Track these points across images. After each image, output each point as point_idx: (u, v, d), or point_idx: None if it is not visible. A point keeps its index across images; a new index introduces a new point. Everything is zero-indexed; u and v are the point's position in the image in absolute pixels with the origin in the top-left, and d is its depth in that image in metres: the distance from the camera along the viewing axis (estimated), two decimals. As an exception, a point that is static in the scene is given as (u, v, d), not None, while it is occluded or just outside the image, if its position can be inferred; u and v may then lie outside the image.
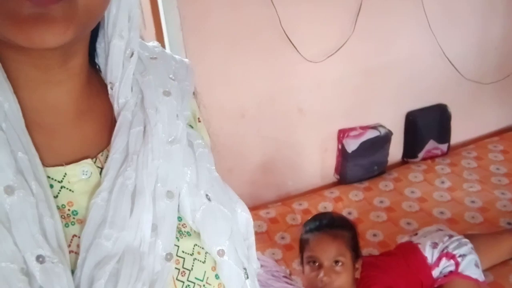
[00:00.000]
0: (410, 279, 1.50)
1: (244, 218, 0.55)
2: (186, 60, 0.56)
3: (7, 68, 0.41)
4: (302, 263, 1.42)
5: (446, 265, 1.54)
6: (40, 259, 0.36)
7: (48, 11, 0.35)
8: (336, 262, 1.32)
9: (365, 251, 1.84)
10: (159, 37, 1.82)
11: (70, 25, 0.36)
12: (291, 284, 1.47)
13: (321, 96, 2.23)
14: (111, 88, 0.47)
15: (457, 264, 1.55)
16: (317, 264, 1.34)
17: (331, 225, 1.40)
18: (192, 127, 0.54)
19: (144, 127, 0.46)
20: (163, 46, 1.93)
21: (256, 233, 1.99)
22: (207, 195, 0.49)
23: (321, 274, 1.30)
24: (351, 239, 1.39)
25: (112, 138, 0.45)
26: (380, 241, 1.91)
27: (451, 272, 1.53)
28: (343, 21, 2.12)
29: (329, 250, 1.33)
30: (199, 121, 0.57)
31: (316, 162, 2.37)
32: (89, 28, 0.41)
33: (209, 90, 1.97)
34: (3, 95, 0.40)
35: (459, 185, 2.21)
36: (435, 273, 1.54)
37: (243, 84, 2.05)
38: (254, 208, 2.14)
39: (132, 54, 0.47)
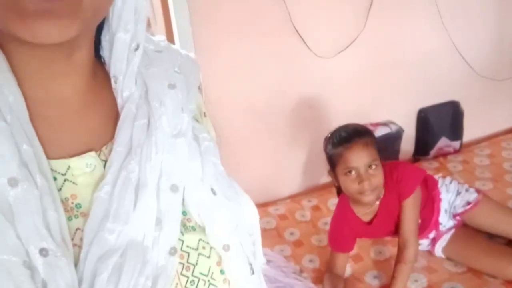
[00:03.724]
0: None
1: (250, 213, 0.54)
2: (192, 54, 0.55)
3: (12, 60, 0.41)
4: (335, 175, 1.54)
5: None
6: (43, 252, 0.36)
7: (53, 7, 0.34)
8: (370, 166, 1.45)
9: (376, 247, 1.83)
10: (169, 31, 1.82)
11: (75, 20, 0.36)
12: (299, 281, 1.46)
13: (332, 92, 2.21)
14: (115, 82, 0.47)
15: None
16: (353, 172, 1.46)
17: (359, 134, 1.50)
18: (197, 121, 0.54)
19: (148, 120, 0.46)
20: (173, 40, 1.92)
21: (265, 230, 2.01)
22: (212, 189, 0.49)
23: (364, 183, 1.44)
24: (376, 143, 1.52)
25: (116, 131, 0.45)
26: (390, 239, 1.88)
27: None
28: (354, 16, 2.10)
29: (364, 158, 1.45)
30: (205, 116, 0.57)
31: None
32: (94, 23, 0.41)
33: (218, 84, 1.97)
34: (8, 88, 0.39)
35: (472, 183, 2.16)
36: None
37: (253, 79, 2.04)
38: (263, 205, 2.14)
39: (138, 47, 0.47)
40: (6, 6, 0.34)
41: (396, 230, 1.69)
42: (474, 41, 2.41)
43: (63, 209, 0.40)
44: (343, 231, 1.65)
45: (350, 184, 1.48)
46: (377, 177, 1.46)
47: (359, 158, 1.45)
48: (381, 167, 1.49)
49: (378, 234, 1.74)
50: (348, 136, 1.49)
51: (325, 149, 1.58)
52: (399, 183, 1.56)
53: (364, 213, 1.62)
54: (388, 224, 1.65)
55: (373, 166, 1.46)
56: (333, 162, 1.53)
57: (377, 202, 1.59)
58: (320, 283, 1.68)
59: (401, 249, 1.57)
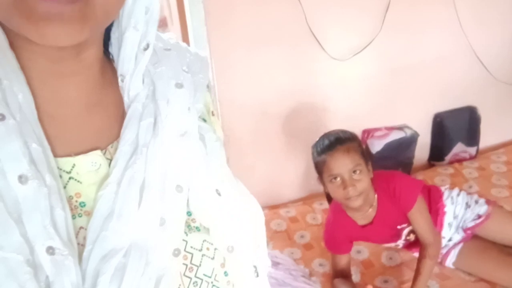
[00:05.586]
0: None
1: (256, 215, 0.54)
2: (202, 53, 0.55)
3: (20, 58, 0.41)
4: (323, 182, 1.54)
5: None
6: (50, 250, 0.36)
7: (63, 10, 0.34)
8: (354, 171, 1.45)
9: (386, 255, 1.80)
10: (184, 32, 1.82)
11: (86, 25, 0.36)
12: (308, 284, 1.45)
13: (347, 94, 2.19)
14: (122, 81, 0.47)
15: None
16: (338, 179, 1.46)
17: (340, 140, 1.49)
18: (205, 120, 0.53)
19: (155, 119, 0.45)
20: (188, 40, 1.91)
21: (276, 232, 2.00)
22: (217, 190, 0.48)
23: (348, 189, 1.44)
24: (359, 147, 1.51)
25: (122, 130, 0.44)
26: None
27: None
28: (370, 18, 2.09)
29: (347, 164, 1.44)
30: (213, 115, 0.56)
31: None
32: (104, 26, 0.41)
33: (232, 85, 1.97)
34: (18, 86, 0.40)
35: (488, 190, 2.13)
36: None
37: (267, 81, 2.03)
38: (274, 207, 2.13)
39: (148, 47, 0.47)
40: (17, 8, 0.34)
41: (395, 238, 1.69)
42: (492, 46, 2.37)
43: (69, 208, 0.40)
44: (339, 236, 1.65)
45: (336, 191, 1.49)
46: (362, 182, 1.46)
47: (342, 164, 1.45)
48: (367, 172, 1.49)
49: (374, 239, 1.73)
50: (330, 144, 1.50)
51: (312, 157, 1.58)
52: (398, 197, 1.56)
53: (359, 218, 1.62)
54: (384, 231, 1.65)
55: (357, 171, 1.46)
56: (319, 170, 1.54)
57: (370, 209, 1.58)
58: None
59: (423, 247, 1.58)
